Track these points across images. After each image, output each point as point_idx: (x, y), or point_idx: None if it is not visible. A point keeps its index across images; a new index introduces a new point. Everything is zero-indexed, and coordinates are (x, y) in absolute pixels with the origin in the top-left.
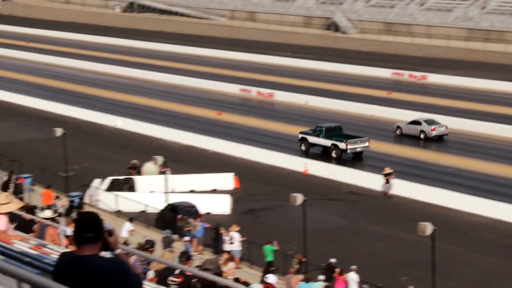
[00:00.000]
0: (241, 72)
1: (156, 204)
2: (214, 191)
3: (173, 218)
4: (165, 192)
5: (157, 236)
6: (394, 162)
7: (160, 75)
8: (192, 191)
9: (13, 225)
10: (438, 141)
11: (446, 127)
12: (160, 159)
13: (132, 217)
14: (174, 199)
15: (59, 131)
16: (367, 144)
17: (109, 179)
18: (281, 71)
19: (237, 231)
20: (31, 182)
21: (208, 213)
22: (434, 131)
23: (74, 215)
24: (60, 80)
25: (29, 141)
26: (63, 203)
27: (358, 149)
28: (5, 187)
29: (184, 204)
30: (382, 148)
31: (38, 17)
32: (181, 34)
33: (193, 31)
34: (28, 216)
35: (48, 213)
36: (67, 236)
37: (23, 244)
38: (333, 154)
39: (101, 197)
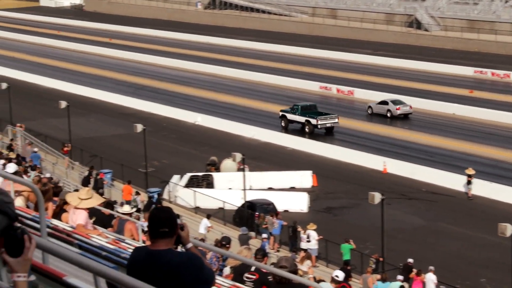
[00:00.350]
0: (321, 69)
1: (234, 201)
2: (292, 189)
3: (251, 215)
4: (243, 189)
5: (234, 233)
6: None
7: (240, 72)
8: (270, 189)
9: (92, 220)
10: (404, 119)
11: (410, 106)
12: (238, 156)
13: (209, 214)
14: (252, 196)
15: (139, 127)
16: (336, 120)
17: (187, 176)
18: (362, 69)
19: (315, 229)
20: (111, 178)
21: (285, 211)
22: (399, 110)
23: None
24: (141, 77)
25: (110, 137)
26: (142, 198)
27: (328, 125)
28: (85, 182)
29: (262, 201)
30: (465, 147)
31: (121, 14)
32: (262, 31)
33: (274, 28)
34: (107, 211)
35: (127, 208)
36: (145, 231)
37: (101, 238)
38: (307, 129)
39: (180, 193)
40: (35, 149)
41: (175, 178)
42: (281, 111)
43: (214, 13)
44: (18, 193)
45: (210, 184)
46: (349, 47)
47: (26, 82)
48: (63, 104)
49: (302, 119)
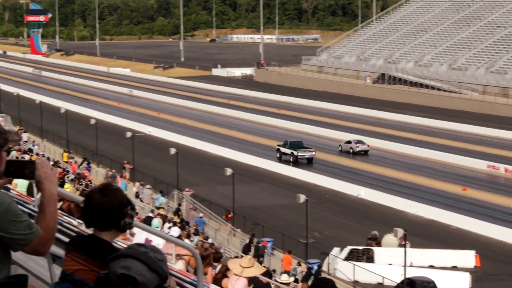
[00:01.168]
0: (489, 148)
1: (394, 277)
2: (454, 268)
3: None
4: (404, 266)
5: None
6: None
7: (408, 147)
8: (431, 267)
9: (251, 287)
10: (364, 155)
11: (368, 145)
12: (400, 231)
13: None
14: (412, 273)
15: (302, 198)
16: (313, 153)
17: (348, 249)
18: None
19: None
20: (271, 246)
21: None
22: (358, 148)
23: (311, 282)
24: None
25: (273, 206)
26: (302, 268)
27: (306, 156)
28: (246, 250)
29: (422, 279)
30: None
31: (290, 85)
32: (431, 107)
33: (443, 104)
34: (265, 279)
35: (285, 278)
36: None
37: None
38: (291, 159)
39: (339, 266)
40: (201, 215)
41: (335, 250)
42: (278, 145)
43: (383, 88)
44: (179, 256)
45: (370, 259)
46: None
47: (194, 149)
48: (229, 171)
49: (289, 151)
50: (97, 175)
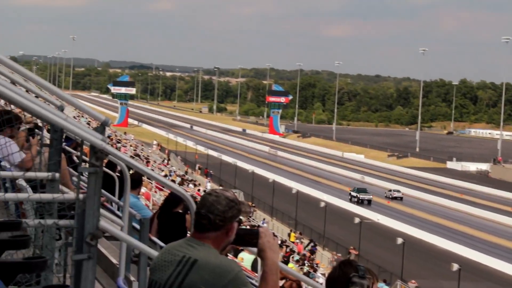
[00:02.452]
0: None
1: None
2: None
3: None
4: None
5: None
6: None
7: None
8: None
9: None
10: (399, 200)
11: (402, 193)
12: None
13: None
14: None
15: None
16: (371, 196)
17: None
18: None
19: None
20: None
21: None
22: (395, 194)
23: None
24: None
25: None
26: None
27: (366, 198)
28: None
29: None
30: None
31: None
32: None
33: None
34: None
35: None
36: None
37: None
38: (355, 200)
39: None
40: None
41: None
42: (350, 190)
43: None
44: None
45: None
46: None
47: (421, 240)
48: (455, 267)
49: (355, 194)
50: (322, 258)
